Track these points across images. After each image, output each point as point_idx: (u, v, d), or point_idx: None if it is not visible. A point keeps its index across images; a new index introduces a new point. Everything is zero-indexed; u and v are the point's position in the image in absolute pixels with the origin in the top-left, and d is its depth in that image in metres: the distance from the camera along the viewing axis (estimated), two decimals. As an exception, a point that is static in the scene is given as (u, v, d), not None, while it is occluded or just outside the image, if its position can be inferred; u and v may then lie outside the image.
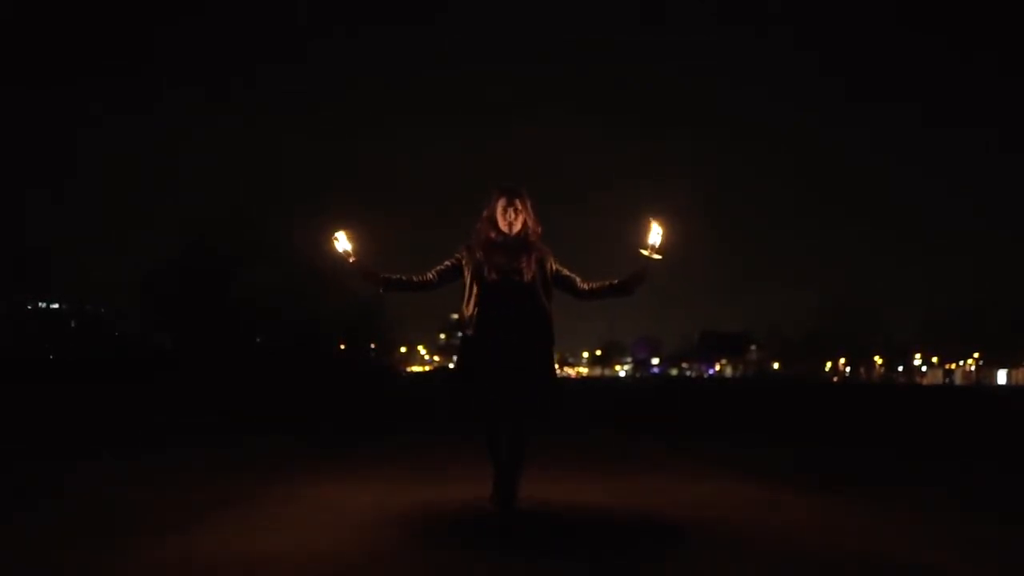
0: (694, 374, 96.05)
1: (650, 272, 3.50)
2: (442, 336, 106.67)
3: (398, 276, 3.57)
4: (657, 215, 3.46)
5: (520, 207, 3.49)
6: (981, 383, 67.24)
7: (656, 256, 3.44)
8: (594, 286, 3.59)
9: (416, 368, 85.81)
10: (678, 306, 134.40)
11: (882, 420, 12.67)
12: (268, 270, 34.32)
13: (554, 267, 3.56)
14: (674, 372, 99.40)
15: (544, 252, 3.56)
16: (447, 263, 3.57)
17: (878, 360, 77.71)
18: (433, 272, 3.57)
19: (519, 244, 3.49)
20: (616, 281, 3.57)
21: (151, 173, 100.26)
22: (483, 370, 3.41)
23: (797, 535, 3.19)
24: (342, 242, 3.49)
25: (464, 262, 3.54)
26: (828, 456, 6.61)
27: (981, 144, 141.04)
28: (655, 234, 3.45)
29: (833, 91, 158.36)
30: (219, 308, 31.86)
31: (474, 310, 3.45)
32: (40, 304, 46.24)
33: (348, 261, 3.50)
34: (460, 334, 3.56)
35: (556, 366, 3.64)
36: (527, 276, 3.44)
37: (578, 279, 3.59)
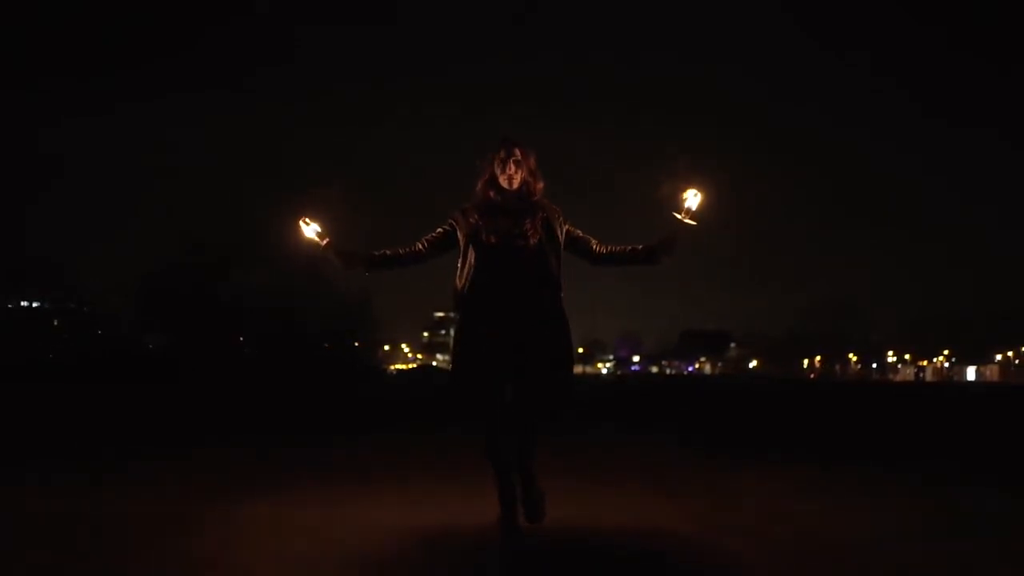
0: (673, 372, 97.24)
1: (683, 239, 3.14)
2: (425, 334, 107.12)
3: (381, 252, 3.16)
4: (695, 180, 3.12)
5: (520, 158, 3.06)
6: (951, 379, 68.88)
7: (690, 222, 3.09)
8: (614, 249, 3.18)
9: (400, 366, 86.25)
10: (659, 304, 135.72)
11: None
12: (262, 270, 34.80)
13: (565, 227, 3.14)
14: (654, 370, 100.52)
15: (551, 211, 3.12)
16: (438, 230, 3.14)
17: (853, 358, 79.33)
18: (422, 241, 3.14)
19: (521, 204, 3.07)
20: (641, 247, 3.17)
21: (147, 174, 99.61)
22: (480, 355, 2.98)
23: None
24: (310, 227, 3.14)
25: (458, 227, 3.10)
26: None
27: (977, 142, 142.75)
28: (692, 198, 3.09)
29: (834, 90, 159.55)
30: (212, 309, 32.26)
31: (470, 280, 3.03)
32: (23, 303, 46.23)
33: (321, 245, 3.13)
34: (455, 313, 3.13)
35: (573, 355, 3.15)
36: (532, 240, 3.02)
37: (594, 241, 3.18)
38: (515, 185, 3.06)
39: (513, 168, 3.05)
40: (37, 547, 2.89)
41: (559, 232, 3.10)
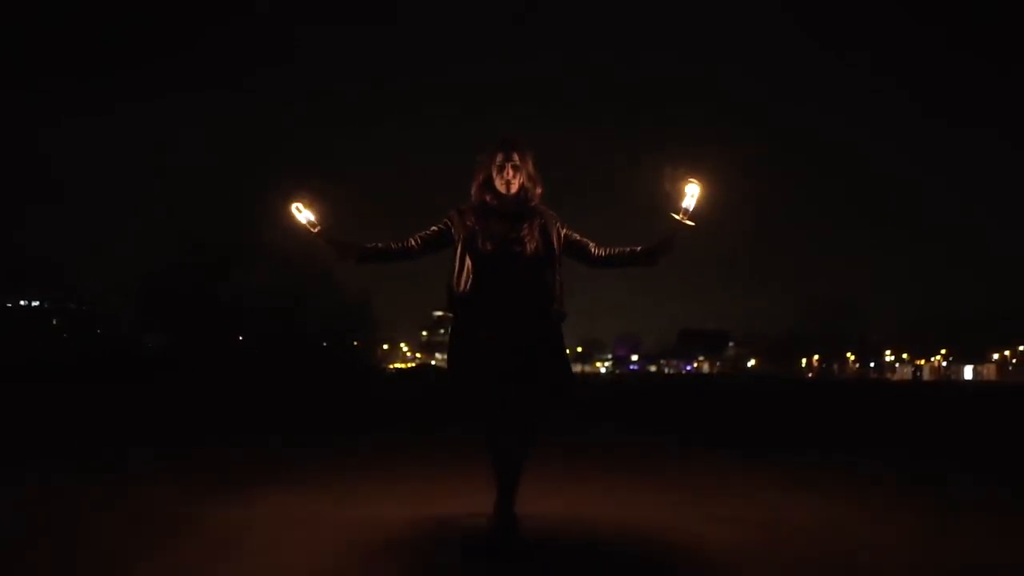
0: (672, 371, 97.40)
1: (681, 239, 3.11)
2: (424, 333, 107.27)
3: (373, 244, 3.14)
4: (693, 176, 3.06)
5: (519, 162, 3.02)
6: (948, 378, 69.12)
7: (689, 222, 3.04)
8: (612, 252, 3.16)
9: (399, 365, 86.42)
10: (658, 304, 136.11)
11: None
12: (261, 270, 34.92)
13: (562, 232, 3.12)
14: (652, 369, 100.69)
15: (548, 217, 3.10)
16: (433, 228, 3.11)
17: (851, 357, 79.60)
18: (416, 238, 3.12)
19: (518, 208, 3.03)
20: (640, 248, 3.13)
21: (147, 174, 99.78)
22: (479, 358, 2.97)
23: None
24: (303, 213, 3.08)
25: (453, 229, 3.07)
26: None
27: (977, 142, 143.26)
28: (690, 197, 3.03)
29: (834, 90, 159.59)
30: (212, 309, 32.31)
31: (466, 286, 2.98)
32: (21, 302, 46.26)
33: (312, 232, 3.08)
34: (451, 314, 3.10)
35: (567, 352, 3.16)
36: (528, 247, 2.99)
37: (591, 244, 3.17)
38: (513, 190, 3.01)
39: (511, 173, 3.00)
40: (37, 547, 2.89)
41: (556, 238, 3.07)
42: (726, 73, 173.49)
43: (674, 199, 3.05)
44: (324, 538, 2.98)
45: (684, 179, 3.05)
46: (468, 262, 3.00)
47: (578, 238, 3.16)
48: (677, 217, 3.05)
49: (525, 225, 3.01)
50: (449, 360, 3.12)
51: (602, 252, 3.16)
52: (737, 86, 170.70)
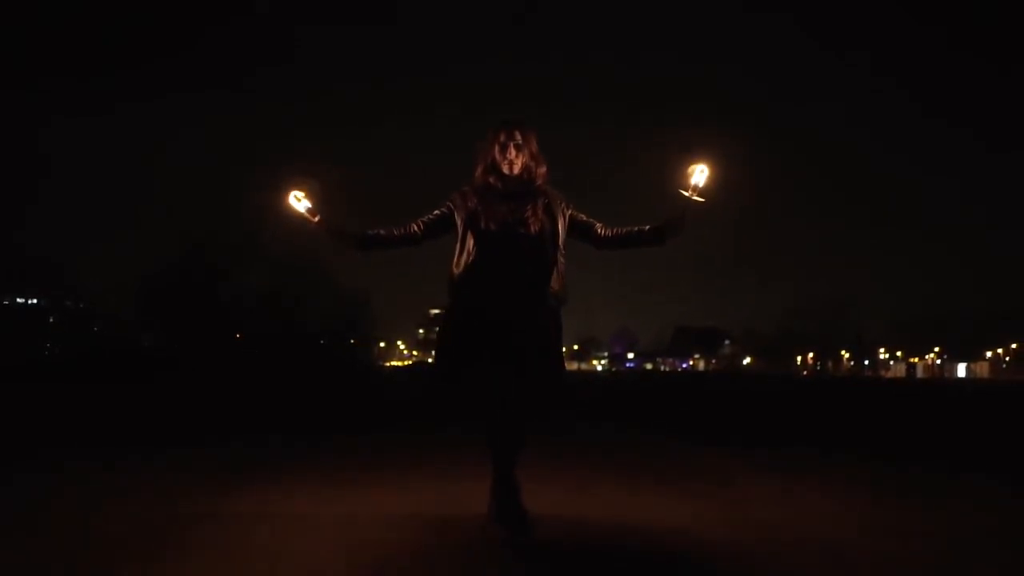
0: (667, 368, 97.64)
1: (690, 217, 2.98)
2: (421, 331, 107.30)
3: (375, 231, 3.04)
4: (702, 156, 2.94)
5: (522, 142, 2.95)
6: (942, 376, 69.49)
7: (699, 199, 2.93)
8: (619, 232, 3.07)
9: (396, 363, 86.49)
10: (657, 303, 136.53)
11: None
12: (260, 270, 35.04)
13: (567, 212, 3.04)
14: (648, 367, 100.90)
15: (553, 197, 3.01)
16: (435, 212, 3.02)
17: (845, 355, 79.97)
18: (418, 223, 3.02)
19: (523, 189, 2.95)
20: (648, 227, 3.04)
21: (147, 174, 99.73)
22: (478, 345, 2.89)
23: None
24: (302, 203, 2.99)
25: (456, 211, 2.98)
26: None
27: (977, 142, 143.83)
28: (700, 174, 2.90)
29: (834, 90, 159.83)
30: (210, 308, 32.42)
31: (467, 268, 2.91)
32: (18, 300, 46.27)
33: (311, 222, 2.99)
34: (449, 300, 3.01)
35: (562, 348, 3.06)
36: (532, 228, 2.91)
37: (598, 225, 3.08)
38: (516, 170, 2.95)
39: (514, 152, 2.94)
40: (37, 547, 2.87)
41: (561, 219, 3.00)
42: (726, 73, 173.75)
43: (683, 176, 2.95)
44: (325, 538, 2.97)
45: (695, 162, 2.96)
46: (470, 243, 2.93)
47: (584, 219, 3.09)
48: (686, 194, 2.93)
49: (529, 206, 2.94)
50: (440, 343, 3.04)
51: (609, 232, 3.08)
52: (737, 86, 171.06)
